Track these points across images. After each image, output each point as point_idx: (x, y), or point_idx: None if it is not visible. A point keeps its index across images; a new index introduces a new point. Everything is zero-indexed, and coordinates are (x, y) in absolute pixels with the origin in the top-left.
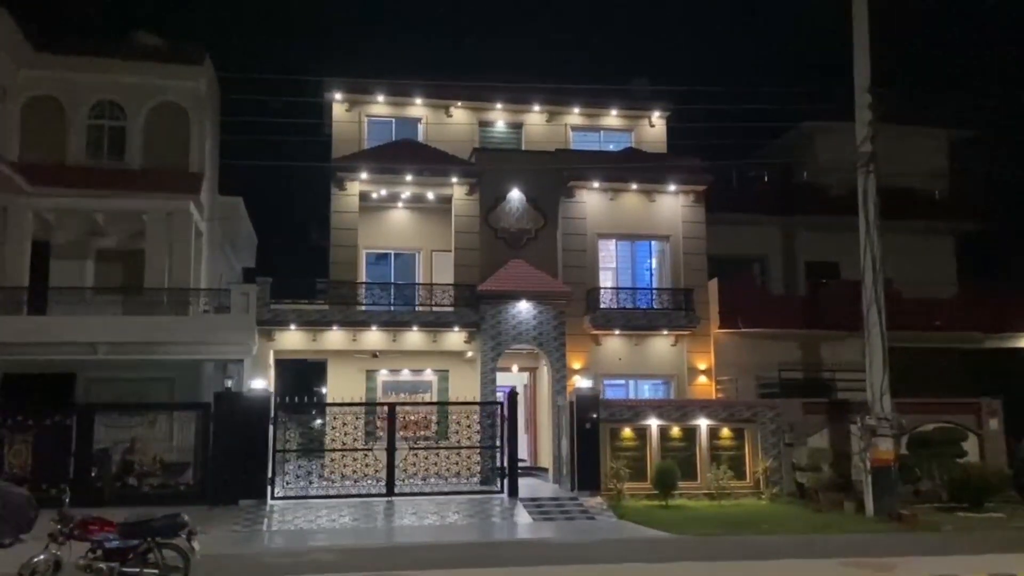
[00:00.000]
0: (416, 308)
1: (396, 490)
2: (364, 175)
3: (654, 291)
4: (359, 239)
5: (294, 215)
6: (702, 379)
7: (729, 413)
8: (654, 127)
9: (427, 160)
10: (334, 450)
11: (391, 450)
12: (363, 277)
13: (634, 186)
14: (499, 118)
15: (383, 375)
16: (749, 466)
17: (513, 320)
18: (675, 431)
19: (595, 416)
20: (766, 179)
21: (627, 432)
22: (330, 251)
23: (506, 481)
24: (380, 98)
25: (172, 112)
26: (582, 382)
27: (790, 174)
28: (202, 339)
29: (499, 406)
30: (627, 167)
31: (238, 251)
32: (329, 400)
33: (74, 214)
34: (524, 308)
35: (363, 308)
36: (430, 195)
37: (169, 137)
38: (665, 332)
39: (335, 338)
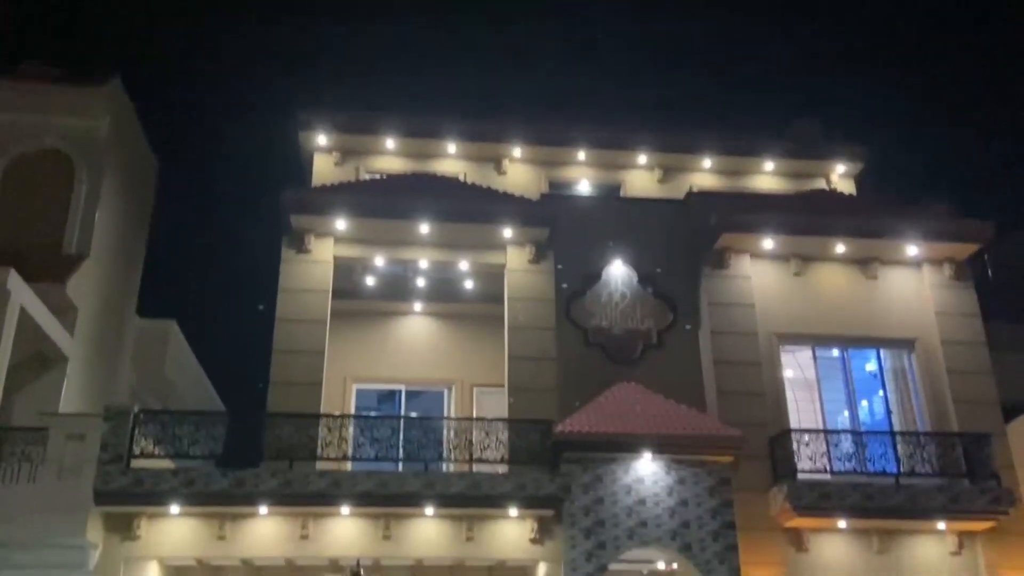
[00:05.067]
0: (437, 462)
1: None
2: (342, 223)
3: (902, 439)
4: (342, 364)
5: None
6: None
7: None
8: (835, 188)
9: (458, 198)
10: None
11: None
12: (350, 430)
13: (840, 248)
14: (581, 174)
15: None
16: None
17: (628, 496)
18: None
19: None
20: None
21: None
22: (271, 361)
23: None
24: (389, 142)
25: (51, 165)
26: None
27: None
28: None
29: None
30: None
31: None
32: None
33: None
34: (649, 472)
35: (323, 468)
36: (465, 269)
37: (41, 202)
38: (940, 525)
39: (266, 534)
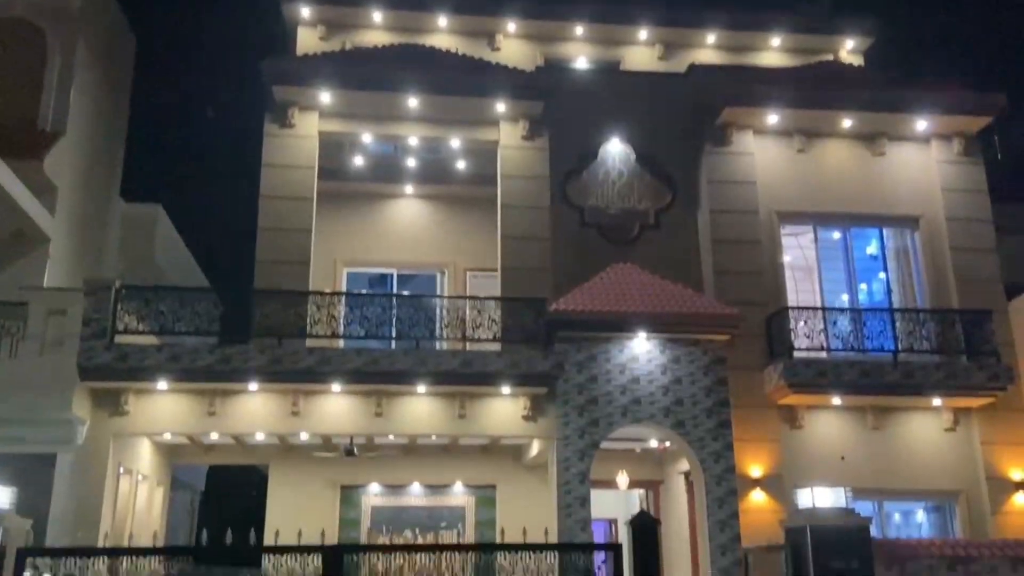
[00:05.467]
0: (429, 340)
1: None
2: (326, 95)
3: (901, 316)
4: (332, 247)
5: None
6: (1022, 497)
7: None
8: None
9: (448, 69)
10: None
11: None
12: (339, 308)
13: (846, 123)
14: (579, 50)
15: (372, 495)
16: None
17: (621, 375)
18: None
19: None
20: None
21: None
22: (257, 239)
23: None
24: (376, 15)
25: (23, 37)
26: (824, 493)
27: None
28: None
29: (611, 552)
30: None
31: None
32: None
33: None
34: (644, 351)
35: (313, 345)
36: (457, 147)
37: (13, 76)
38: (936, 402)
39: (256, 411)
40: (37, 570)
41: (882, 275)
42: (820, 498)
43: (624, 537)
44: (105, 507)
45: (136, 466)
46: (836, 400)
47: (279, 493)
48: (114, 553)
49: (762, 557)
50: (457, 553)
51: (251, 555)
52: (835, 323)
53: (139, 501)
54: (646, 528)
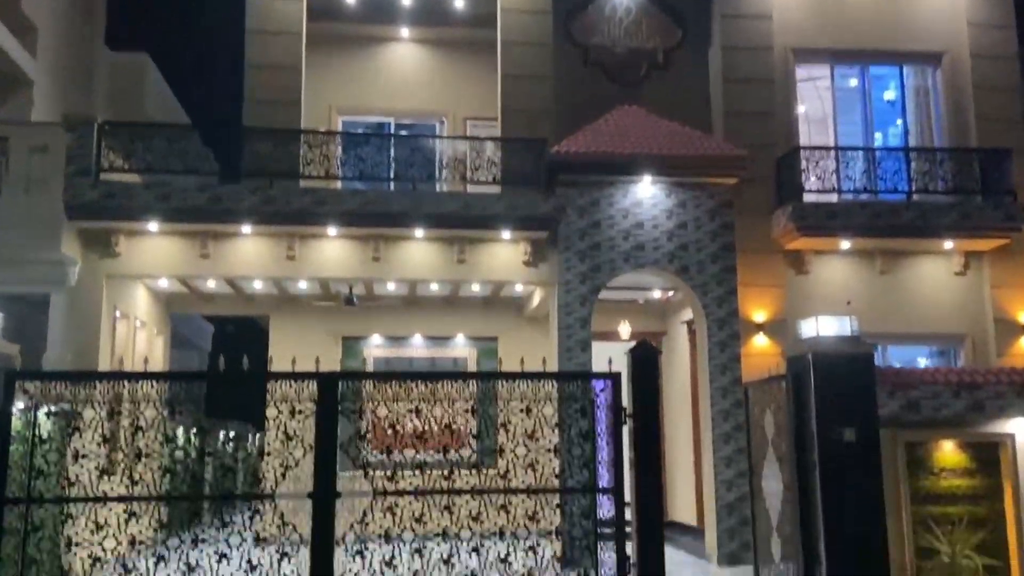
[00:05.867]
0: (427, 182)
1: None
2: None
3: (917, 156)
4: (326, 94)
5: None
6: None
7: None
8: None
9: None
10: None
11: (322, 499)
12: (335, 152)
13: None
14: None
15: (374, 346)
16: None
17: (625, 220)
18: None
19: (866, 412)
20: None
21: (950, 453)
22: (244, 75)
23: (632, 564)
24: None
25: None
26: (827, 322)
27: None
28: None
29: (610, 380)
30: None
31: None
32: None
33: None
34: (648, 195)
35: (307, 185)
36: None
37: None
38: (947, 244)
39: (249, 252)
40: (28, 395)
41: (899, 122)
42: (825, 327)
43: (624, 366)
44: (102, 350)
45: (133, 312)
46: (845, 244)
47: (281, 345)
48: (114, 377)
49: (762, 390)
50: (454, 381)
51: (254, 378)
52: (848, 165)
53: (138, 347)
54: (646, 357)
